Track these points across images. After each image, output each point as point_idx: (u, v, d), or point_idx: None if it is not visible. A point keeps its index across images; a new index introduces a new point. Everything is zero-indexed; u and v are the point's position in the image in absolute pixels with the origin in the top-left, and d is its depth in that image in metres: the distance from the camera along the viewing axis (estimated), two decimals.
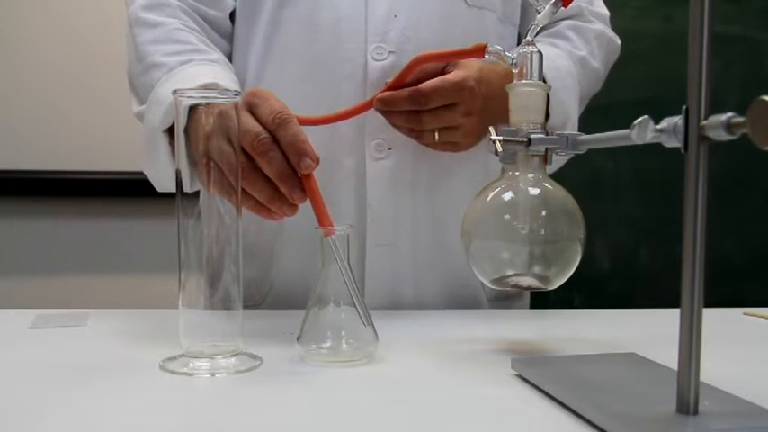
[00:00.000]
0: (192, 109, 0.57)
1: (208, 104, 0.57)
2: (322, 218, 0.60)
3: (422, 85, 0.74)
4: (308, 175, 0.61)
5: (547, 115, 0.79)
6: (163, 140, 0.73)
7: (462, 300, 0.87)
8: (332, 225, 0.60)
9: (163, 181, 0.78)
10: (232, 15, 0.88)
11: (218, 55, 0.81)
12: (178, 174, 0.57)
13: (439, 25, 0.83)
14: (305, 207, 0.82)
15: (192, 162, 0.57)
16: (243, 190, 0.58)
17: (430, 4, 0.83)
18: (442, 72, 0.76)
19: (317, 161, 0.61)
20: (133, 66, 0.80)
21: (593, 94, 0.93)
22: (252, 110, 0.63)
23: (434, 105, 0.75)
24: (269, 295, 0.87)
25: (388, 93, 0.75)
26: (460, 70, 0.75)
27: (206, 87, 0.70)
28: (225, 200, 0.58)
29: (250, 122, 0.61)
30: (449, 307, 0.87)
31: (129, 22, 0.82)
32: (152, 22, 0.80)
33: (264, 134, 0.60)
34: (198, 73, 0.73)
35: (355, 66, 0.81)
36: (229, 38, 0.88)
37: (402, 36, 0.81)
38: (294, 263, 0.85)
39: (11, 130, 1.64)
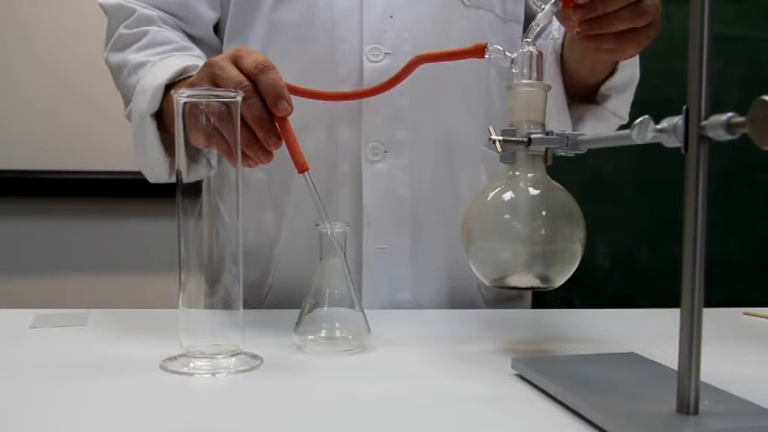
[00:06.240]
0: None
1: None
2: (297, 159, 0.65)
3: None
4: (284, 121, 0.64)
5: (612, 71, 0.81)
6: (151, 125, 0.75)
7: (460, 302, 0.87)
8: (307, 166, 0.64)
9: (153, 169, 0.79)
10: (216, 29, 0.89)
11: (199, 52, 0.84)
12: (178, 173, 0.57)
13: (435, 26, 0.83)
14: (302, 213, 0.83)
15: (189, 150, 0.58)
16: (220, 134, 0.60)
17: (426, 4, 0.83)
18: None
19: (292, 106, 0.64)
20: (122, 75, 0.83)
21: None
22: (236, 61, 0.65)
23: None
24: (266, 299, 0.87)
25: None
26: None
27: (186, 70, 0.75)
28: (219, 151, 0.60)
29: (233, 71, 0.64)
30: (447, 309, 0.87)
31: (113, 42, 0.85)
32: (136, 35, 0.84)
33: (246, 82, 0.63)
34: (178, 62, 0.77)
35: (350, 67, 0.81)
36: (215, 50, 0.88)
37: (398, 37, 0.81)
38: (292, 268, 0.85)
39: (10, 129, 1.64)
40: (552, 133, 0.59)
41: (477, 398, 0.50)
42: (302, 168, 0.65)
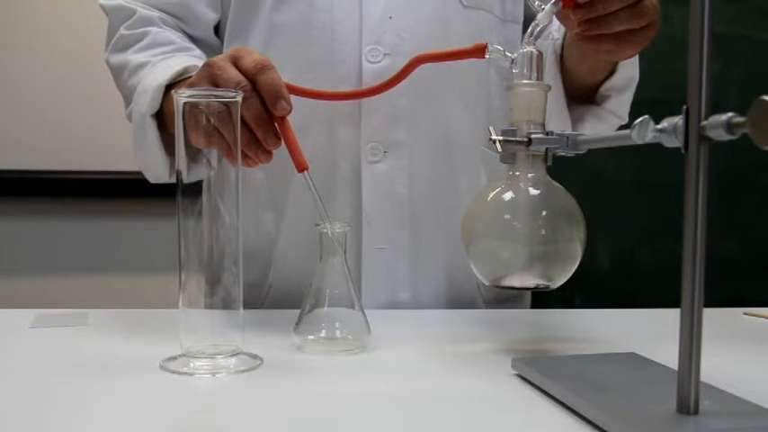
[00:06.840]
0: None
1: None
2: (296, 158, 0.65)
3: None
4: (284, 120, 0.65)
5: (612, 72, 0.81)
6: (151, 125, 0.76)
7: (460, 302, 0.87)
8: (307, 165, 0.64)
9: (154, 170, 0.80)
10: (216, 30, 0.89)
11: (200, 52, 0.85)
12: (178, 173, 0.57)
13: (434, 26, 0.83)
14: (302, 213, 0.82)
15: (190, 150, 0.58)
16: (220, 134, 0.60)
17: (425, 5, 0.83)
18: None
19: (291, 106, 0.64)
20: (123, 76, 0.83)
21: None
22: (235, 61, 0.65)
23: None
24: (266, 299, 0.87)
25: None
26: None
27: (186, 70, 0.75)
28: (219, 151, 0.60)
29: (232, 71, 0.64)
30: (446, 309, 0.87)
31: (114, 43, 0.85)
32: (137, 36, 0.84)
33: (245, 82, 0.63)
34: (179, 62, 0.77)
35: (350, 68, 0.81)
36: (215, 51, 0.88)
37: (397, 38, 0.81)
38: (292, 268, 0.85)
39: (10, 129, 1.64)
40: (552, 133, 0.59)
41: (478, 398, 0.50)
42: (302, 167, 0.65)
